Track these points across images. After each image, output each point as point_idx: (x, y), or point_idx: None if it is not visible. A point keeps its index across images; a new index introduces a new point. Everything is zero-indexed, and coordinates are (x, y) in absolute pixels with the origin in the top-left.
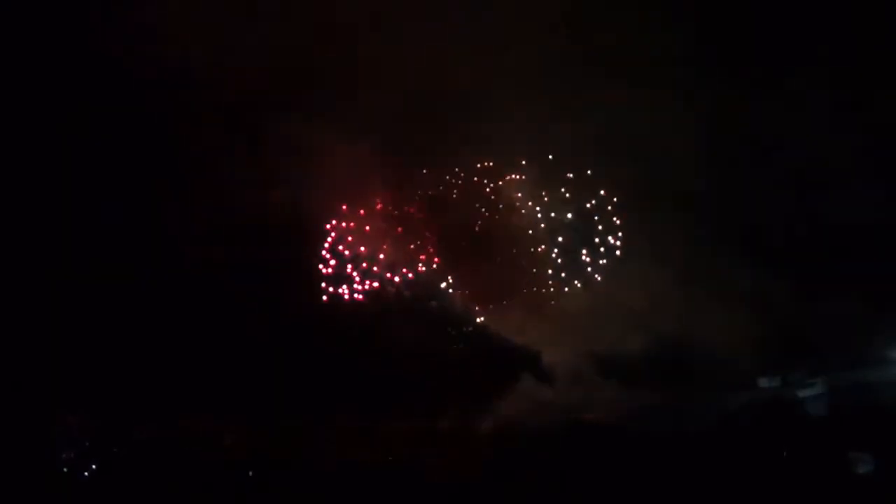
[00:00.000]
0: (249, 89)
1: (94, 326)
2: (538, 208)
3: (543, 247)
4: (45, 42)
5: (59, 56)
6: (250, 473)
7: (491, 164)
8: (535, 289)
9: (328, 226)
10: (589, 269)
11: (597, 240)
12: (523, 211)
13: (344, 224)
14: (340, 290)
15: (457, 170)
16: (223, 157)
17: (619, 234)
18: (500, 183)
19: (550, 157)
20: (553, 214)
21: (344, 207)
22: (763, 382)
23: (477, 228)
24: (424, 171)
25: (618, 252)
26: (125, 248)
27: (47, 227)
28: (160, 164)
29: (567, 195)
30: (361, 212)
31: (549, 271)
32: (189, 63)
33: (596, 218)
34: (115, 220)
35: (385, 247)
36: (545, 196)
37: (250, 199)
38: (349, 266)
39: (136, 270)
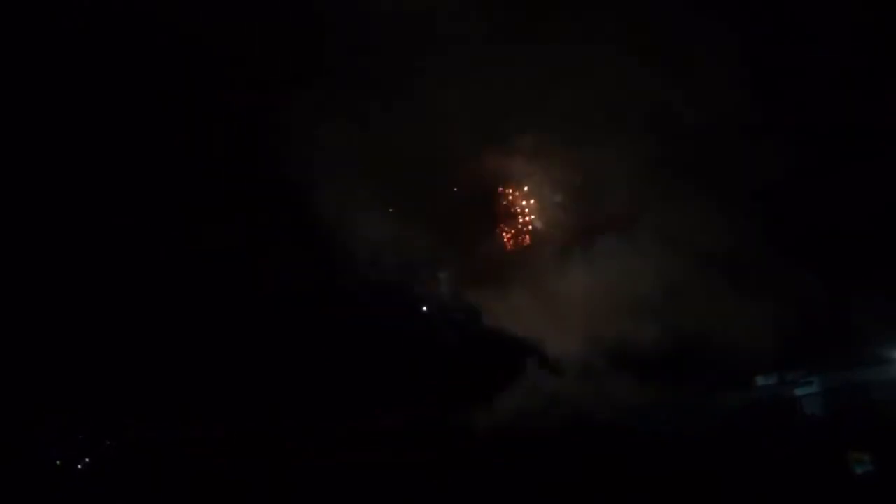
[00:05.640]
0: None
1: (93, 319)
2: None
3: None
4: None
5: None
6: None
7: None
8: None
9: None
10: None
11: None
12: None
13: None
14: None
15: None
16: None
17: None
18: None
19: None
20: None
21: None
22: (760, 380)
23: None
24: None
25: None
26: (121, 241)
27: (37, 222)
28: (156, 163)
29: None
30: None
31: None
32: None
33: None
34: (110, 213)
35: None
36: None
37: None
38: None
39: (131, 265)
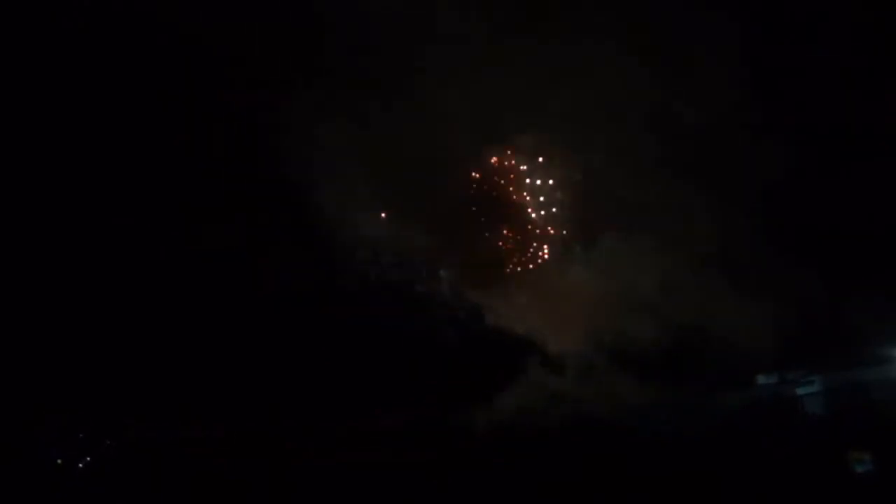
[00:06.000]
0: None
1: (93, 319)
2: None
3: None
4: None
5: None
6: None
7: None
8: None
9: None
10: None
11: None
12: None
13: None
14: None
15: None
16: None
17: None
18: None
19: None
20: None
21: None
22: (761, 380)
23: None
24: None
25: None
26: (121, 241)
27: (38, 222)
28: (156, 163)
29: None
30: None
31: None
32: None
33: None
34: (110, 212)
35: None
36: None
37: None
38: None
39: (132, 265)
